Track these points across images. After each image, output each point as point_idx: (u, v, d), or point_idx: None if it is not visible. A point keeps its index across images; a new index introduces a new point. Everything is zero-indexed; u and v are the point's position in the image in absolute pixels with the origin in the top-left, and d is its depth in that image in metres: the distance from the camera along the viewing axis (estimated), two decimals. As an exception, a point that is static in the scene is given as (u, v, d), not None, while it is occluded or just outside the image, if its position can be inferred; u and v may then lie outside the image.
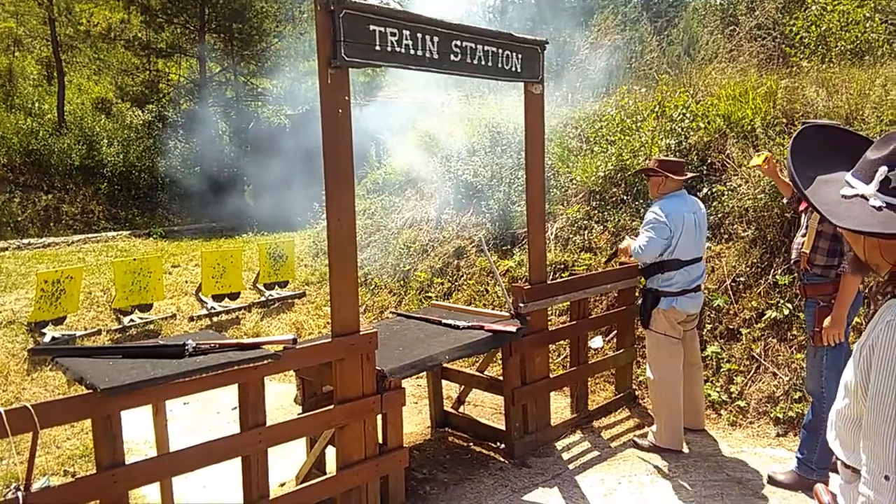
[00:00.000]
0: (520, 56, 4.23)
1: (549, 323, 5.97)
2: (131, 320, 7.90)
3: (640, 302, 4.73)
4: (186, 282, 9.51)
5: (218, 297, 8.55)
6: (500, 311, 5.20)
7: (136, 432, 4.79)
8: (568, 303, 5.19)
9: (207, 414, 5.63)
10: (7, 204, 15.16)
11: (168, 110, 20.11)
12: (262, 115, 18.13)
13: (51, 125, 17.16)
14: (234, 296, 8.65)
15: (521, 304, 4.47)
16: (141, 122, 19.55)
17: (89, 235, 14.85)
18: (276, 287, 9.00)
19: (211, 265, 8.45)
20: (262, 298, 8.74)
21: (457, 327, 4.35)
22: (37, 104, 17.56)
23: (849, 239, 1.61)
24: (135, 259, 8.35)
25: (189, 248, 12.94)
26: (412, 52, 3.56)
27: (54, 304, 7.19)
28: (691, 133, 6.77)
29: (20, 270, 10.38)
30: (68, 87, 18.15)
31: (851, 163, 1.55)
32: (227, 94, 20.52)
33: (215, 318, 8.29)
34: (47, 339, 7.09)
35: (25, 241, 13.67)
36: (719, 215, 6.09)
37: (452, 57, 3.79)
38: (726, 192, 6.12)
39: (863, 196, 1.48)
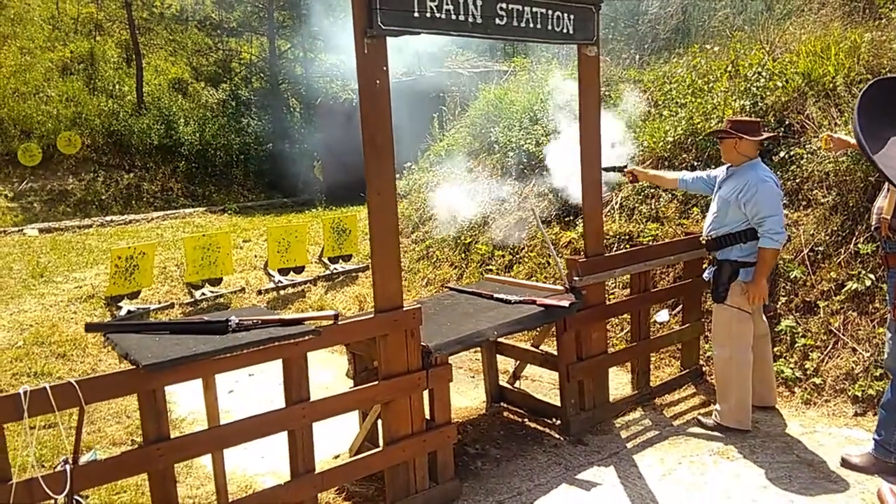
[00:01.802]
0: (572, 17, 4.01)
1: (612, 296, 5.79)
2: (202, 294, 8.15)
3: (710, 274, 4.45)
4: (256, 256, 9.73)
5: (284, 271, 8.70)
6: (559, 284, 5.05)
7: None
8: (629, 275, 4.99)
9: (272, 385, 5.73)
10: (92, 183, 15.91)
11: (241, 89, 20.57)
12: (329, 91, 18.27)
13: (130, 106, 17.82)
14: (299, 270, 8.79)
15: (577, 278, 4.31)
16: (215, 100, 20.08)
17: (168, 212, 15.44)
18: (341, 261, 9.08)
19: (276, 240, 8.60)
20: (327, 272, 8.85)
21: (508, 302, 4.24)
22: (117, 86, 18.25)
23: None
24: (204, 235, 8.58)
25: (261, 223, 13.25)
26: (453, 16, 3.42)
27: (128, 279, 7.48)
28: (768, 93, 6.34)
29: (101, 247, 10.88)
30: (146, 68, 18.75)
31: None
32: (297, 70, 20.78)
33: (282, 292, 8.46)
34: (123, 312, 7.41)
35: (108, 218, 14.34)
36: (797, 180, 5.70)
37: (497, 21, 3.62)
38: (805, 156, 5.71)
39: None
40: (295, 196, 18.28)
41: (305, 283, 8.67)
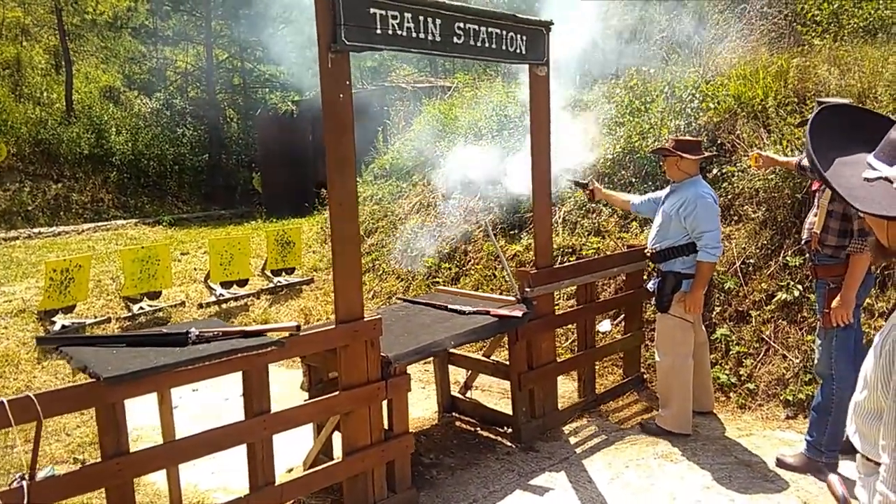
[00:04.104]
0: (524, 38, 4.17)
1: (557, 307, 5.95)
2: (141, 308, 7.93)
3: (654, 285, 4.64)
4: (195, 269, 9.54)
5: (226, 284, 8.56)
6: (508, 295, 5.17)
7: (147, 420, 4.81)
8: (575, 287, 5.15)
9: (216, 400, 5.64)
10: (17, 193, 15.24)
11: (176, 98, 20.12)
12: (269, 102, 18.11)
13: (59, 114, 17.19)
14: (242, 283, 8.66)
15: (527, 289, 4.44)
16: (149, 110, 19.59)
17: (99, 224, 14.94)
18: (284, 273, 9.00)
19: (218, 252, 8.46)
20: (270, 285, 8.75)
21: (462, 312, 4.33)
22: (45, 93, 17.59)
23: (871, 224, 1.53)
24: (142, 247, 8.37)
25: (198, 235, 12.98)
26: (413, 34, 3.51)
27: (63, 292, 7.22)
28: (701, 114, 6.68)
29: (30, 259, 10.45)
30: (76, 75, 18.14)
31: (872, 143, 1.47)
32: (235, 81, 20.50)
33: (224, 305, 8.31)
34: (57, 327, 7.14)
35: (36, 230, 13.77)
36: (729, 196, 6.02)
37: (455, 39, 3.74)
38: (736, 173, 6.04)
39: (886, 179, 1.41)
40: (233, 208, 17.99)
41: (248, 296, 8.54)
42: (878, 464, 1.46)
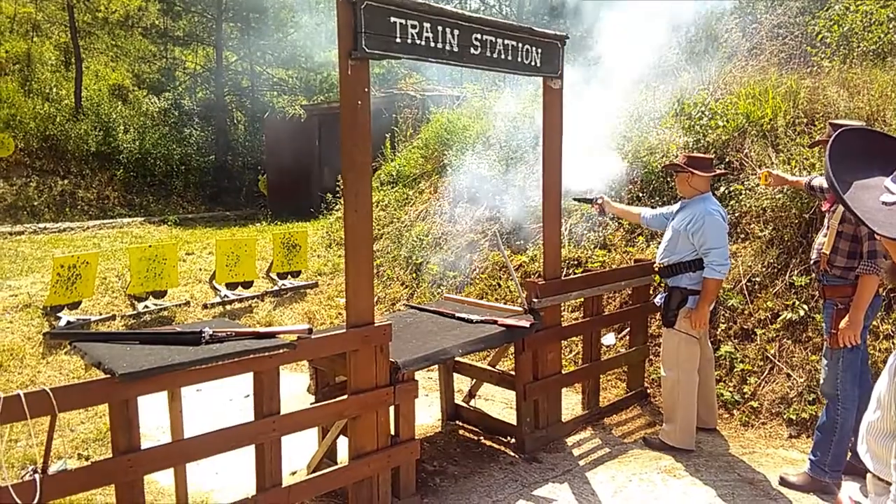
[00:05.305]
0: (539, 51, 4.21)
1: (562, 319, 5.97)
2: (146, 306, 7.95)
3: (661, 300, 4.66)
4: (200, 269, 9.56)
5: (231, 286, 8.58)
6: (513, 305, 5.19)
7: (150, 418, 4.82)
8: (581, 299, 5.17)
9: (220, 401, 5.66)
10: (23, 188, 15.30)
11: (184, 98, 20.22)
12: (277, 105, 18.19)
13: (68, 111, 17.28)
14: (247, 284, 8.69)
15: (535, 300, 4.46)
16: (157, 109, 19.67)
17: (104, 221, 14.99)
18: (289, 277, 9.03)
19: (225, 253, 8.49)
20: (275, 288, 8.77)
21: (470, 321, 4.35)
22: (54, 90, 17.67)
23: (888, 247, 1.56)
24: (150, 246, 8.40)
25: (203, 235, 13.02)
26: (432, 44, 3.55)
27: (70, 288, 7.24)
28: (709, 131, 6.71)
29: (36, 255, 10.48)
30: (86, 73, 18.22)
31: (889, 168, 1.50)
32: (243, 83, 20.59)
33: (228, 307, 8.33)
34: (62, 323, 7.15)
35: (41, 225, 13.82)
36: (736, 214, 6.05)
37: (472, 50, 3.78)
38: (744, 192, 6.07)
39: None
40: (237, 209, 18.04)
41: (253, 298, 8.57)
42: (890, 483, 1.48)
